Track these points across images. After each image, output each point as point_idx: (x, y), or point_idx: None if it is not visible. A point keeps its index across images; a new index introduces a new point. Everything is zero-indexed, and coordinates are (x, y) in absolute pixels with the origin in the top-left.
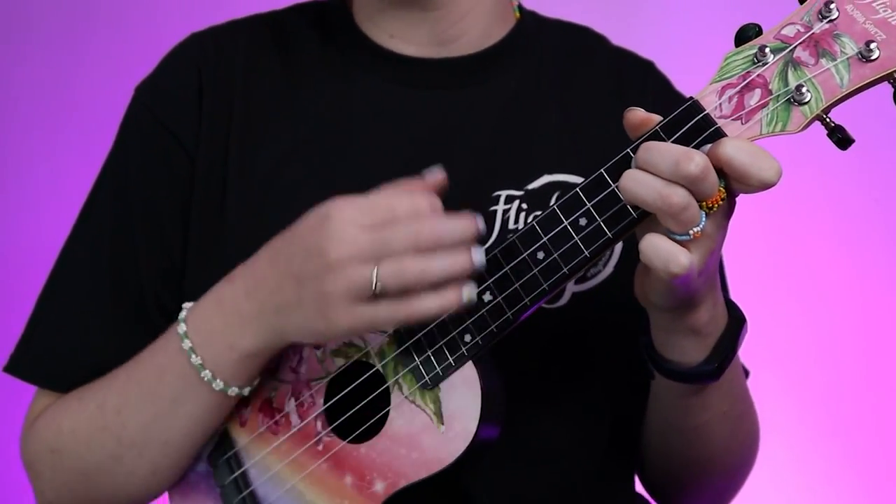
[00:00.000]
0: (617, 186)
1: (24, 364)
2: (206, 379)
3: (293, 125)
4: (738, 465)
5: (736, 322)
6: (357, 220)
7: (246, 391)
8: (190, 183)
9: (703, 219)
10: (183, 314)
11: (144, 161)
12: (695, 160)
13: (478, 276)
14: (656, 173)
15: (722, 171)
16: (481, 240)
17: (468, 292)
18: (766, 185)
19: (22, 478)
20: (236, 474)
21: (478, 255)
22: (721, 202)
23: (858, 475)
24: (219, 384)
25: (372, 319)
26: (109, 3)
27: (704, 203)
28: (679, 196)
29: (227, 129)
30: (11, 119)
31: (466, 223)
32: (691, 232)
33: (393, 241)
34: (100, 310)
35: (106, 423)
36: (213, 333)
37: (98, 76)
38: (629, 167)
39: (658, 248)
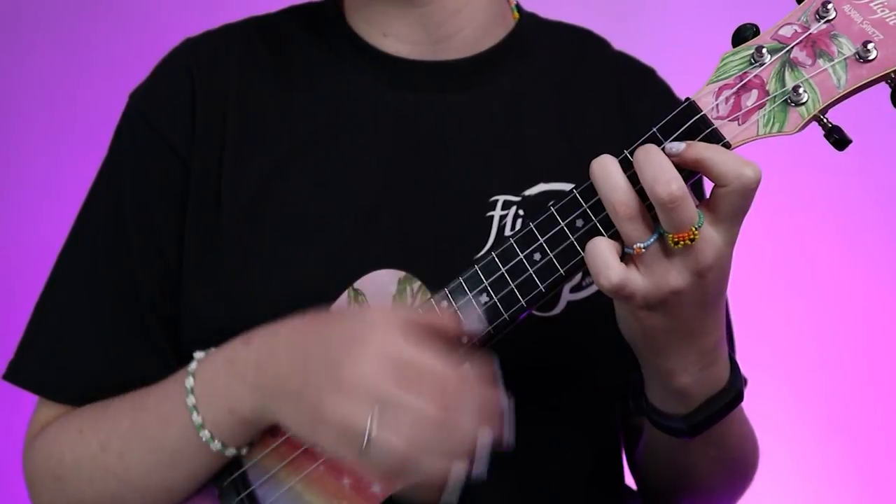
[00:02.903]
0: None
1: (24, 372)
2: (204, 439)
3: (288, 131)
4: (723, 499)
5: (733, 392)
6: (388, 356)
7: (244, 451)
8: (185, 190)
9: (650, 240)
10: (193, 365)
11: (139, 168)
12: (671, 187)
13: (475, 277)
14: (640, 178)
15: (710, 216)
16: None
17: (456, 475)
18: (744, 179)
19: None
20: (235, 476)
21: (481, 467)
22: (689, 242)
23: (859, 475)
24: (216, 445)
25: (352, 463)
26: (110, 4)
27: (671, 235)
28: (626, 206)
29: (222, 134)
30: (12, 120)
31: (483, 431)
32: (634, 247)
33: (403, 399)
34: (97, 318)
35: (108, 466)
36: (217, 393)
37: (100, 77)
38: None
39: (597, 253)
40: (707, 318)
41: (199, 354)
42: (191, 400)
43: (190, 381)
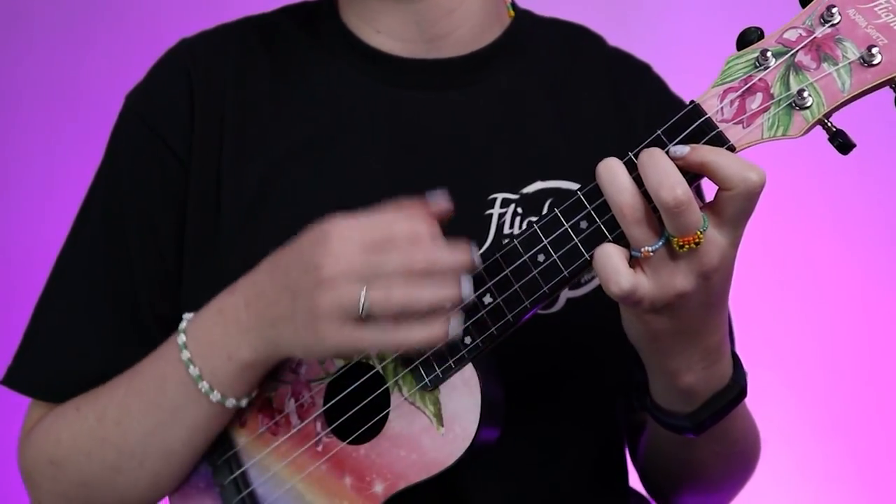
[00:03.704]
0: None
1: (22, 377)
2: (203, 390)
3: (285, 131)
4: (723, 494)
5: (737, 389)
6: (355, 239)
7: (243, 403)
8: (183, 190)
9: (659, 243)
10: (183, 324)
11: (136, 170)
12: (675, 192)
13: (479, 279)
14: (644, 181)
15: (714, 219)
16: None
17: (454, 328)
18: (749, 183)
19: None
20: (236, 474)
21: (466, 288)
22: (694, 246)
23: (859, 475)
24: (216, 395)
25: (358, 341)
26: (108, 4)
27: (677, 239)
28: (633, 209)
29: (220, 134)
30: (12, 119)
31: (461, 254)
32: (642, 250)
33: (386, 264)
34: (96, 321)
35: (106, 435)
36: (212, 343)
37: (100, 76)
38: None
39: (607, 259)
40: (711, 317)
41: (188, 315)
42: (185, 354)
43: (182, 338)
